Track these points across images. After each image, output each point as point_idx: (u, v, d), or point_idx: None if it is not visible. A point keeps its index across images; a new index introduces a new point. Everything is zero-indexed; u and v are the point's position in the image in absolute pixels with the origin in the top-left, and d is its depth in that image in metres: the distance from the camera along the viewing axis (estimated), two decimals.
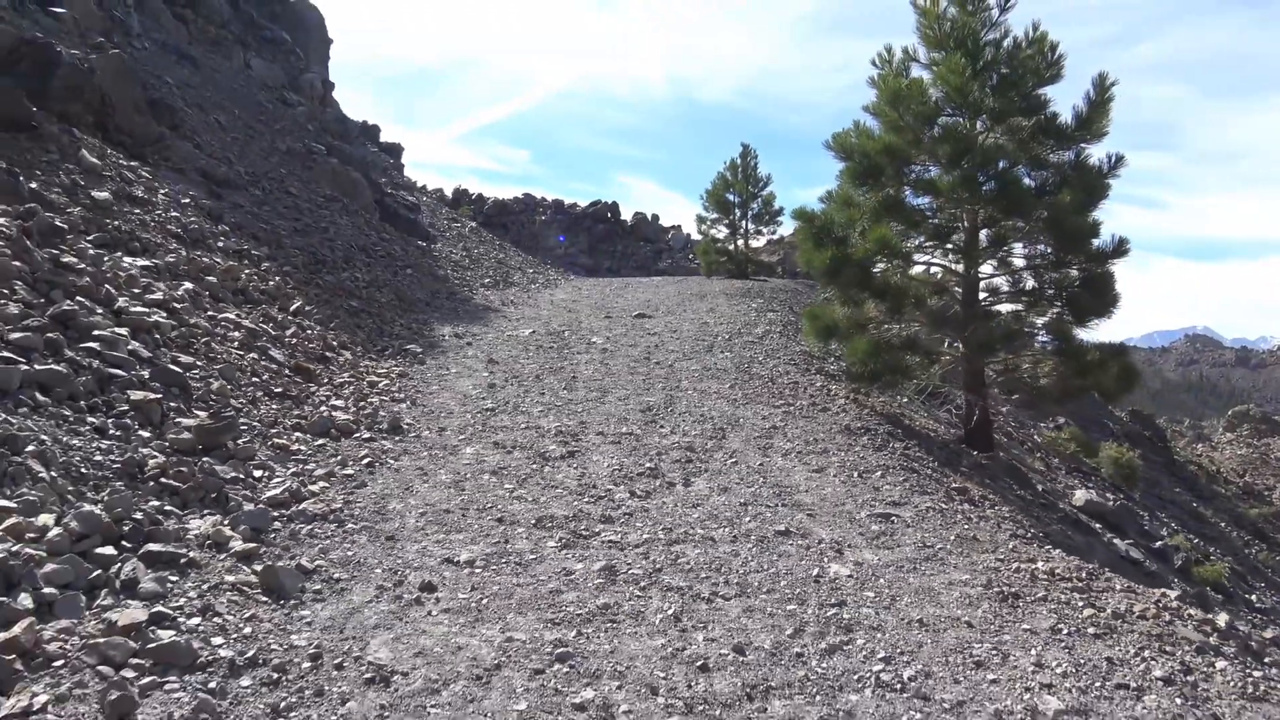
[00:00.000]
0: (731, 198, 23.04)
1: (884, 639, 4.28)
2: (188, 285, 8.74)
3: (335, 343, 9.73)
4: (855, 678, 3.92)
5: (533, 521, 5.56)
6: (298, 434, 6.91)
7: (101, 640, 3.72)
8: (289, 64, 24.47)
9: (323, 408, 7.61)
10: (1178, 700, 3.88)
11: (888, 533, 5.71)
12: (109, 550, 4.43)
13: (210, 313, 8.49)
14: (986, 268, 9.72)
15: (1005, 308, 9.26)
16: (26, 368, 5.62)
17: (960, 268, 9.37)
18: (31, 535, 4.28)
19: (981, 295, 9.36)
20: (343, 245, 14.14)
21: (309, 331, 9.62)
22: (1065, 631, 4.48)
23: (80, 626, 3.84)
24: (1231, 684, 4.10)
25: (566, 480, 6.39)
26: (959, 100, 8.91)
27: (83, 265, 7.56)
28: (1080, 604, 4.85)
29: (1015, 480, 8.92)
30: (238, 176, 14.45)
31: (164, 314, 7.65)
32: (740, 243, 23.34)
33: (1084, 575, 5.37)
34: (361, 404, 7.94)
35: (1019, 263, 9.44)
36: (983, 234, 9.50)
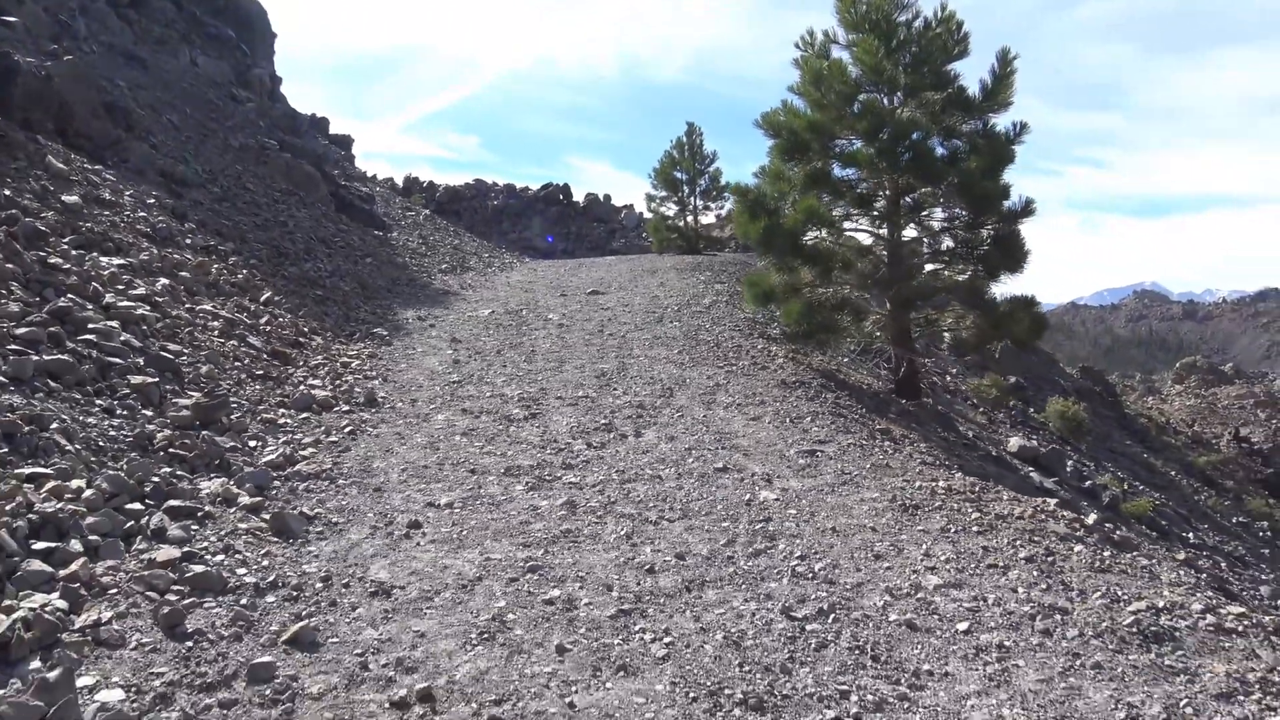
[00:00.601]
0: (679, 175, 23.88)
1: (801, 543, 5.18)
2: (164, 281, 9.41)
3: (306, 329, 10.45)
4: (775, 571, 4.82)
5: (502, 470, 6.40)
6: (282, 410, 7.67)
7: (145, 573, 4.51)
8: (235, 60, 24.85)
9: (302, 386, 8.36)
10: (1035, 573, 4.82)
11: (812, 465, 6.62)
12: (137, 506, 5.20)
13: (188, 305, 9.18)
14: (910, 231, 10.66)
15: (928, 267, 10.20)
16: (36, 358, 6.33)
17: (884, 232, 10.30)
18: (69, 495, 5.04)
19: (905, 256, 10.30)
20: (303, 238, 14.78)
21: (281, 319, 10.33)
22: (953, 531, 5.41)
23: (124, 564, 4.62)
24: (1084, 561, 5.05)
25: (530, 437, 7.22)
26: (875, 78, 9.82)
27: (68, 265, 8.23)
28: (970, 510, 5.79)
29: (941, 425, 9.89)
30: (195, 175, 15.01)
31: (148, 307, 8.35)
32: (689, 219, 24.20)
33: (977, 490, 6.32)
34: (337, 382, 8.71)
35: (937, 225, 10.38)
36: (909, 200, 10.43)
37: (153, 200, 12.06)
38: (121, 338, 7.47)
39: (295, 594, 4.50)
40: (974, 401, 17.84)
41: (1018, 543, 5.26)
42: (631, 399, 8.34)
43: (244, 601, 4.39)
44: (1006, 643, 4.10)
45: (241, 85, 23.58)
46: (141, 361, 7.26)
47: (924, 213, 10.31)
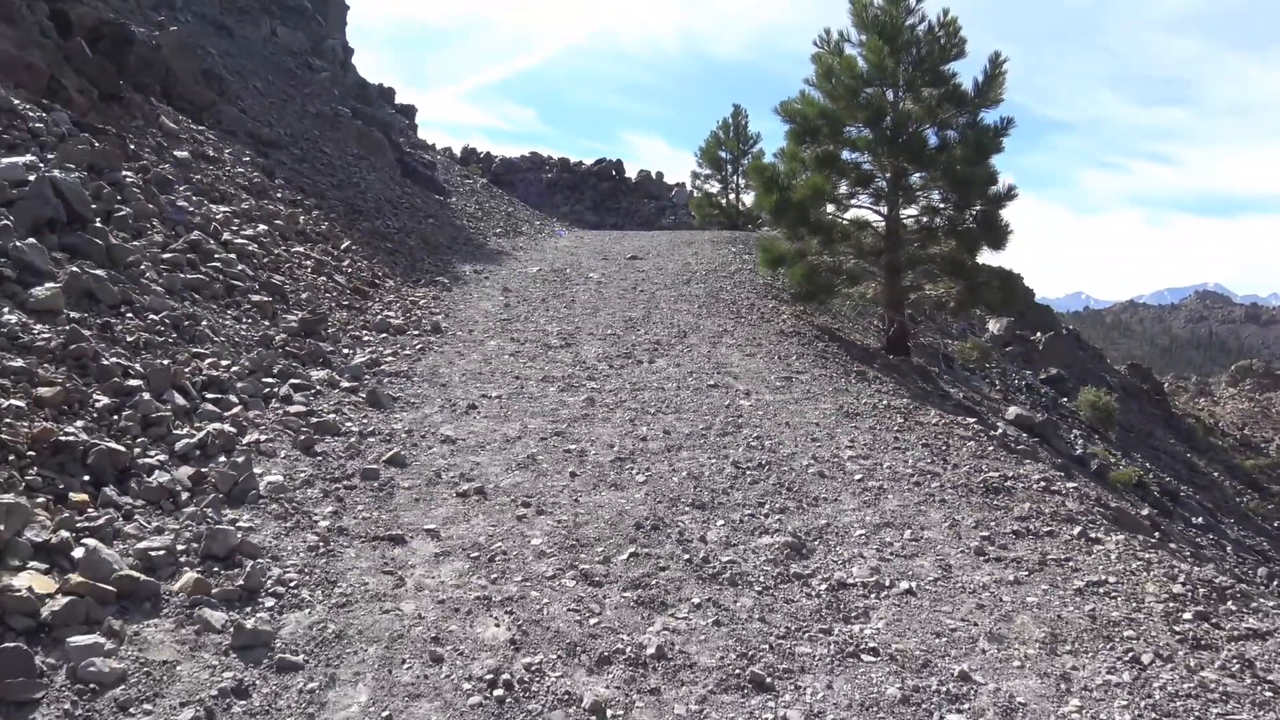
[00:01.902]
0: (724, 155, 25.68)
1: (760, 431, 7.08)
2: (263, 226, 11.48)
3: (379, 273, 12.50)
4: (735, 444, 6.73)
5: (540, 378, 8.37)
6: (365, 331, 9.70)
7: (283, 419, 6.54)
8: (310, 31, 27.07)
9: (380, 315, 10.40)
10: (927, 454, 6.68)
11: (785, 386, 8.50)
12: (269, 380, 7.24)
13: (284, 247, 11.25)
14: (912, 209, 12.43)
15: (918, 241, 11.98)
16: (182, 276, 8.40)
17: (883, 209, 12.08)
18: (222, 368, 7.08)
19: (899, 231, 12.08)
20: (373, 197, 16.88)
21: (359, 264, 12.38)
22: (878, 429, 7.28)
23: (266, 414, 6.65)
24: (970, 452, 6.89)
25: (564, 359, 9.18)
26: (879, 74, 11.58)
27: (192, 209, 10.33)
28: (898, 418, 7.65)
29: (920, 376, 11.66)
30: (279, 138, 17.16)
31: (256, 246, 10.43)
32: (731, 197, 26.02)
33: (911, 408, 8.16)
34: (408, 314, 10.74)
35: (930, 205, 12.12)
36: (908, 181, 12.19)
37: (247, 158, 14.18)
38: (238, 267, 9.53)
39: (388, 438, 6.51)
40: (991, 379, 19.47)
41: (924, 438, 7.12)
42: (650, 338, 10.25)
43: (352, 440, 6.40)
44: (885, 486, 5.99)
45: (316, 55, 25.80)
46: (256, 285, 9.33)
47: (919, 193, 12.06)
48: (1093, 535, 5.45)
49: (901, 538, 5.26)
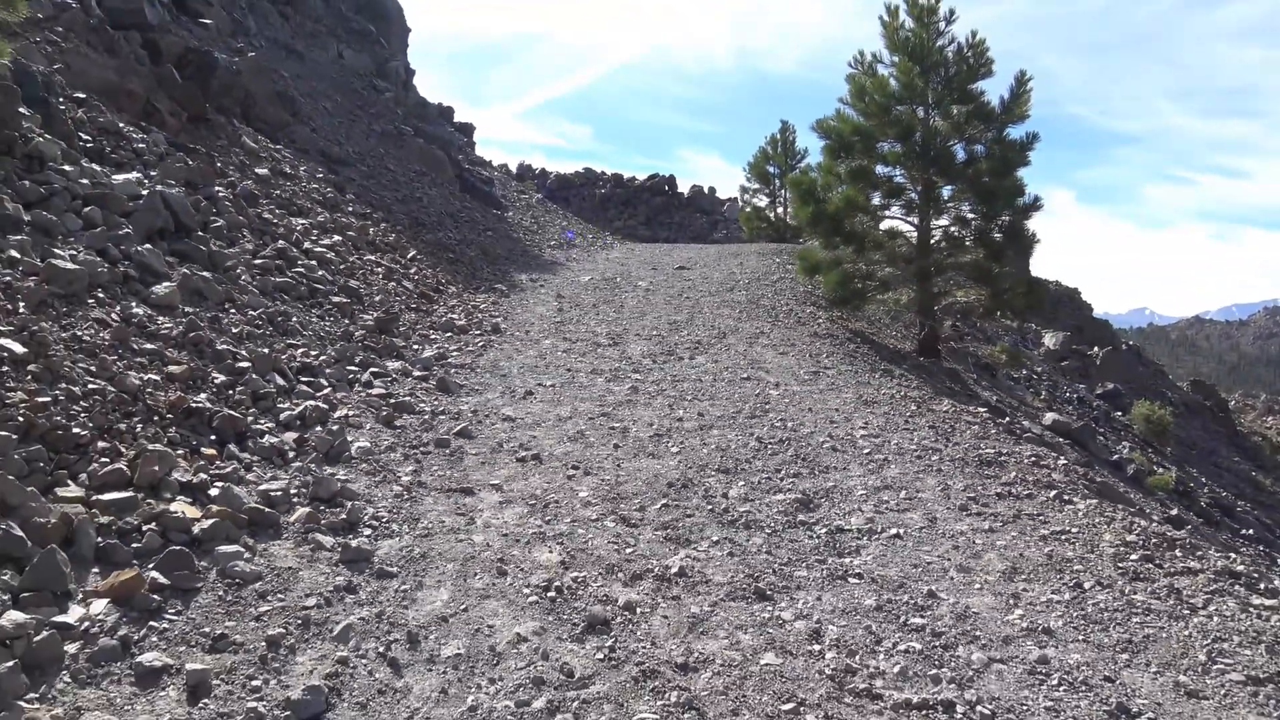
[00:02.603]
0: (772, 170, 26.63)
1: (785, 415, 8.02)
2: (337, 237, 12.66)
3: (443, 280, 13.64)
4: (761, 424, 7.68)
5: (589, 370, 9.39)
6: (432, 330, 10.81)
7: (366, 400, 7.63)
8: (375, 53, 28.59)
9: (444, 317, 11.52)
10: (931, 434, 7.57)
11: (812, 379, 9.43)
12: (352, 368, 8.35)
13: (357, 256, 12.42)
14: (942, 220, 13.27)
15: (946, 249, 12.83)
16: (272, 279, 9.56)
17: (915, 220, 12.95)
18: (311, 357, 8.20)
19: (931, 240, 12.95)
20: (435, 212, 18.09)
21: (424, 272, 13.54)
22: (891, 415, 8.18)
23: (351, 395, 7.74)
24: (973, 433, 7.76)
25: (611, 356, 10.20)
26: (909, 94, 12.47)
27: (276, 220, 11.54)
28: (911, 406, 8.54)
29: (948, 378, 12.47)
30: (348, 155, 18.46)
31: (333, 254, 11.60)
32: (779, 210, 26.93)
33: (925, 397, 9.04)
34: (470, 316, 11.84)
35: (960, 215, 12.96)
36: (944, 191, 13.06)
37: (320, 175, 15.44)
38: (319, 272, 10.70)
39: (456, 416, 7.57)
40: (1036, 389, 20.11)
41: (932, 422, 8.01)
42: (692, 338, 11.23)
43: (426, 417, 7.48)
44: (889, 459, 6.90)
45: (380, 76, 27.27)
46: (335, 289, 10.49)
47: (948, 204, 12.91)
48: (1068, 498, 6.32)
49: (897, 497, 6.18)
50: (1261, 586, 5.18)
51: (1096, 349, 35.92)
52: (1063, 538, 5.60)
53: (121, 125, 10.77)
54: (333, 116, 20.82)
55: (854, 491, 6.25)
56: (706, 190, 44.78)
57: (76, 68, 11.51)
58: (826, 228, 12.73)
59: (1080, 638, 4.41)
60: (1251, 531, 17.58)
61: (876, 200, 12.96)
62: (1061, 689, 3.98)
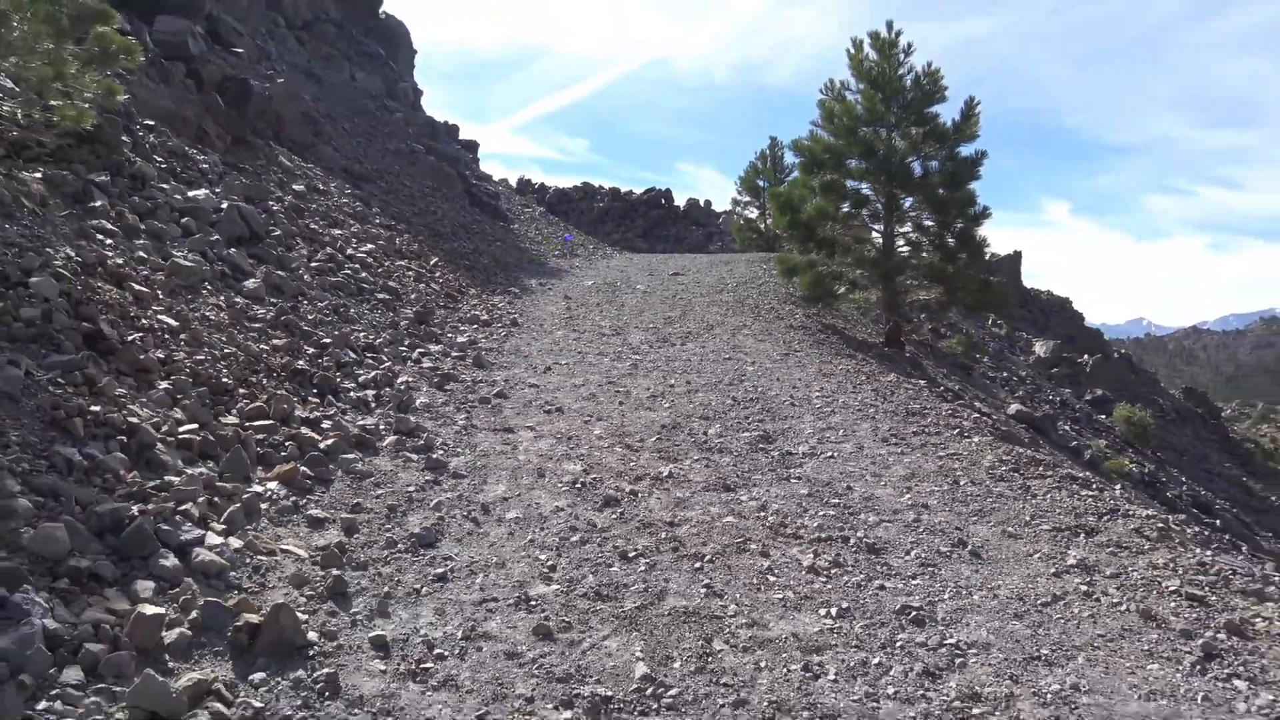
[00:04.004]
0: (761, 183, 28.81)
1: (756, 384, 10.13)
2: (370, 245, 14.76)
3: (464, 283, 15.75)
4: (737, 389, 9.79)
5: (596, 353, 11.50)
6: (461, 323, 12.90)
7: (419, 371, 9.72)
8: (384, 75, 30.82)
9: (470, 313, 13.62)
10: (873, 395, 9.68)
11: (783, 359, 11.54)
12: (402, 349, 10.44)
13: (390, 262, 14.52)
14: (906, 227, 15.41)
15: (907, 253, 14.97)
16: (330, 279, 11.66)
17: (879, 227, 15.09)
18: (370, 338, 10.29)
19: (894, 245, 15.09)
20: (449, 224, 20.21)
21: (447, 276, 15.65)
22: (843, 383, 10.28)
23: (405, 368, 9.83)
24: (908, 394, 9.87)
25: (615, 343, 12.30)
26: (872, 117, 14.63)
27: (320, 230, 13.64)
28: (863, 378, 10.65)
29: (910, 366, 14.55)
30: (368, 172, 20.58)
31: (371, 259, 13.71)
32: (769, 221, 29.07)
33: (876, 373, 11.14)
34: (491, 313, 13.95)
35: (923, 223, 15.10)
36: (905, 202, 15.20)
37: (348, 191, 17.55)
38: (362, 274, 12.79)
39: (492, 384, 9.67)
40: (1013, 389, 22.16)
41: (876, 388, 10.12)
42: (683, 330, 13.34)
43: (468, 384, 9.57)
44: (835, 411, 9.01)
45: (391, 97, 29.48)
46: (378, 288, 12.58)
47: (910, 213, 15.05)
48: (969, 436, 8.43)
49: (836, 435, 8.28)
50: (1093, 486, 7.28)
51: (1087, 356, 37.97)
52: (954, 458, 7.70)
53: (187, 148, 12.85)
54: (351, 136, 22.98)
55: (803, 431, 8.35)
56: (703, 203, 46.99)
57: (141, 97, 13.60)
58: (801, 234, 14.88)
59: (946, 509, 6.52)
60: (1219, 523, 19.55)
61: (845, 209, 15.10)
62: (924, 533, 6.08)
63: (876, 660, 4.52)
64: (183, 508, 5.26)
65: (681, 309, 15.17)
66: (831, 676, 4.38)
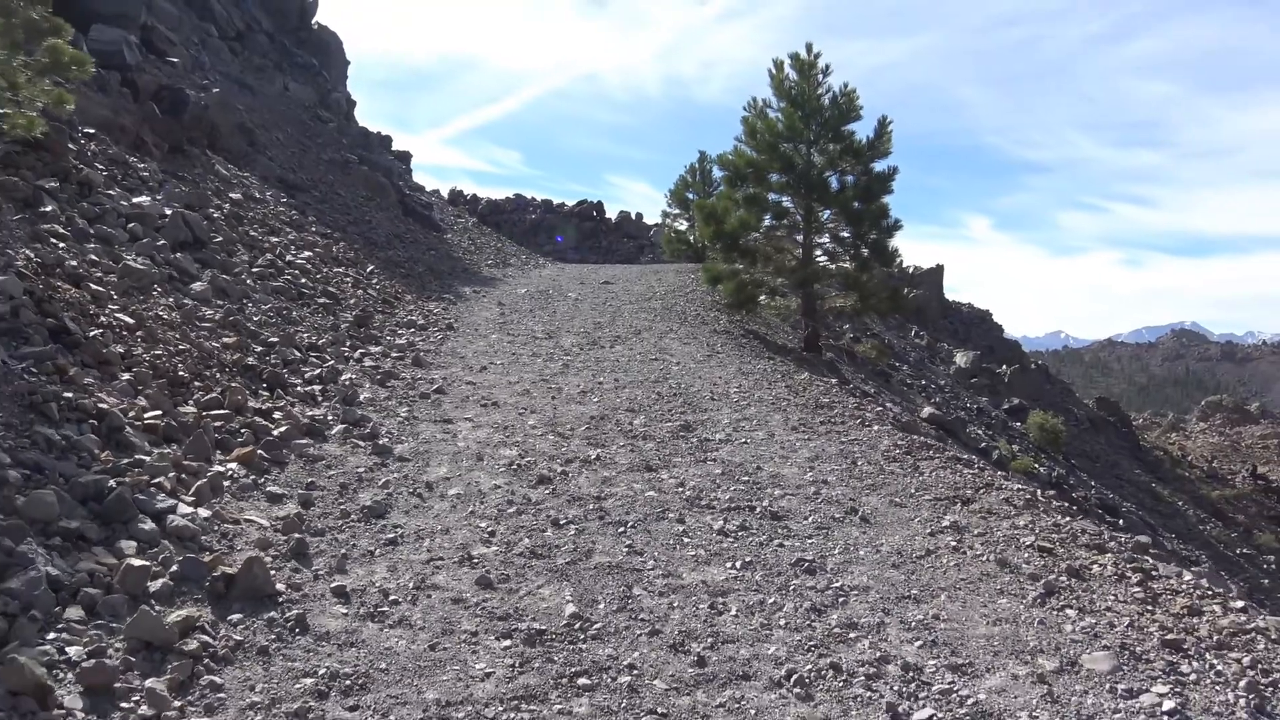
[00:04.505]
0: (691, 196, 29.76)
1: (680, 381, 10.94)
2: (308, 253, 15.30)
3: (399, 290, 16.34)
4: (661, 386, 10.59)
5: (530, 354, 12.23)
6: (399, 327, 13.51)
7: (363, 368, 10.34)
8: (317, 85, 31.18)
9: (407, 318, 14.23)
10: (786, 391, 10.55)
11: (705, 360, 12.38)
12: (345, 349, 11.04)
13: (328, 268, 15.07)
14: (824, 238, 16.39)
15: (823, 261, 15.94)
16: (271, 283, 12.22)
17: (799, 238, 16.05)
18: (314, 339, 10.88)
19: (811, 254, 16.06)
20: (384, 233, 20.75)
21: (383, 283, 16.23)
22: (759, 381, 11.15)
23: (350, 366, 10.43)
24: (819, 390, 10.76)
25: (547, 346, 13.03)
26: (792, 134, 15.59)
27: (259, 237, 14.16)
28: (779, 379, 11.53)
29: (827, 369, 15.50)
30: (302, 182, 21.03)
31: (310, 265, 14.26)
32: (697, 233, 30.00)
33: (790, 372, 12.03)
34: (428, 318, 14.58)
35: (839, 234, 16.08)
36: (823, 214, 16.17)
37: (284, 200, 18.03)
38: (302, 280, 13.35)
39: (431, 381, 10.33)
40: (928, 394, 23.27)
41: (791, 386, 11.00)
42: (613, 334, 14.12)
43: (408, 381, 10.23)
44: (751, 405, 9.86)
45: (324, 107, 29.87)
46: (318, 292, 13.15)
47: (828, 225, 16.03)
48: (870, 426, 9.32)
49: (750, 424, 9.13)
50: (975, 465, 8.21)
51: (1005, 367, 39.53)
52: (855, 443, 8.59)
53: (126, 156, 13.29)
54: (285, 146, 23.37)
55: (721, 421, 9.18)
56: (634, 216, 47.91)
57: (80, 106, 13.94)
58: (725, 244, 15.77)
59: (843, 484, 7.39)
60: (1122, 523, 20.80)
61: (767, 221, 16.04)
62: (822, 503, 6.94)
63: (772, 600, 5.33)
64: (155, 481, 5.87)
65: (611, 315, 15.94)
66: (733, 613, 5.17)
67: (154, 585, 4.83)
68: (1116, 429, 42.95)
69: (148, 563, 4.96)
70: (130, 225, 10.56)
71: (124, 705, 3.92)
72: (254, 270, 12.35)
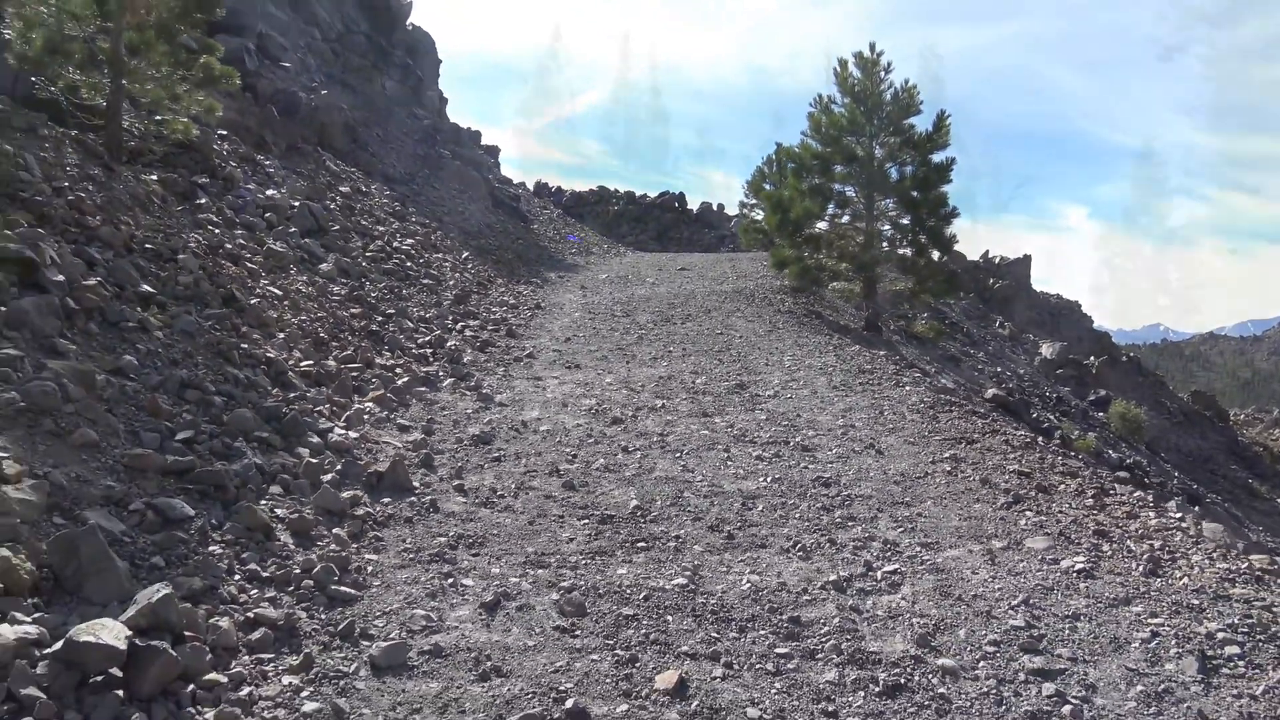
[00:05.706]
0: (767, 186, 31.17)
1: (740, 350, 12.55)
2: (410, 240, 17.26)
3: (491, 274, 18.24)
4: (723, 354, 12.23)
5: (608, 329, 13.97)
6: (493, 305, 15.37)
7: (464, 337, 12.19)
8: (412, 84, 33.42)
9: (500, 298, 16.09)
10: (834, 360, 12.10)
11: (766, 335, 13.96)
12: (448, 322, 12.91)
13: (428, 255, 17.01)
14: (885, 226, 17.82)
15: (885, 247, 17.38)
16: (382, 266, 14.16)
17: (861, 225, 17.50)
18: (422, 312, 12.77)
19: (872, 239, 17.50)
20: (476, 223, 22.72)
21: (477, 268, 18.14)
22: (816, 355, 12.69)
23: (453, 336, 12.28)
24: (863, 360, 12.27)
25: (623, 321, 14.75)
26: (855, 128, 17.05)
27: (369, 225, 16.14)
28: (831, 353, 13.06)
29: (886, 348, 16.91)
30: (401, 176, 23.09)
31: (414, 251, 16.21)
32: (764, 221, 31.47)
33: (842, 344, 13.54)
34: (518, 298, 16.43)
35: (899, 221, 17.49)
36: (883, 203, 17.61)
37: (387, 193, 20.05)
38: (408, 264, 15.29)
39: (523, 349, 12.13)
40: (1000, 379, 24.36)
41: (840, 355, 12.54)
42: (684, 312, 15.79)
43: (503, 348, 12.04)
44: (800, 368, 11.44)
45: (419, 105, 32.07)
46: (422, 275, 15.07)
47: (890, 213, 17.45)
48: (905, 387, 10.83)
49: (797, 383, 10.72)
50: (989, 417, 9.68)
51: (1093, 359, 40.03)
52: (886, 399, 10.13)
53: (255, 155, 15.34)
54: (385, 143, 25.52)
55: (771, 381, 10.80)
56: (715, 207, 49.42)
57: None
58: (791, 231, 17.32)
59: (868, 428, 8.97)
60: (1197, 509, 21.65)
61: (831, 210, 17.55)
62: (846, 440, 8.55)
63: (791, 502, 6.97)
64: (316, 409, 7.75)
65: (684, 297, 17.60)
66: (760, 509, 6.83)
67: (326, 477, 6.67)
68: (1212, 424, 43.00)
69: (319, 460, 6.81)
70: (266, 215, 12.54)
71: (319, 544, 5.74)
72: (367, 254, 14.28)
